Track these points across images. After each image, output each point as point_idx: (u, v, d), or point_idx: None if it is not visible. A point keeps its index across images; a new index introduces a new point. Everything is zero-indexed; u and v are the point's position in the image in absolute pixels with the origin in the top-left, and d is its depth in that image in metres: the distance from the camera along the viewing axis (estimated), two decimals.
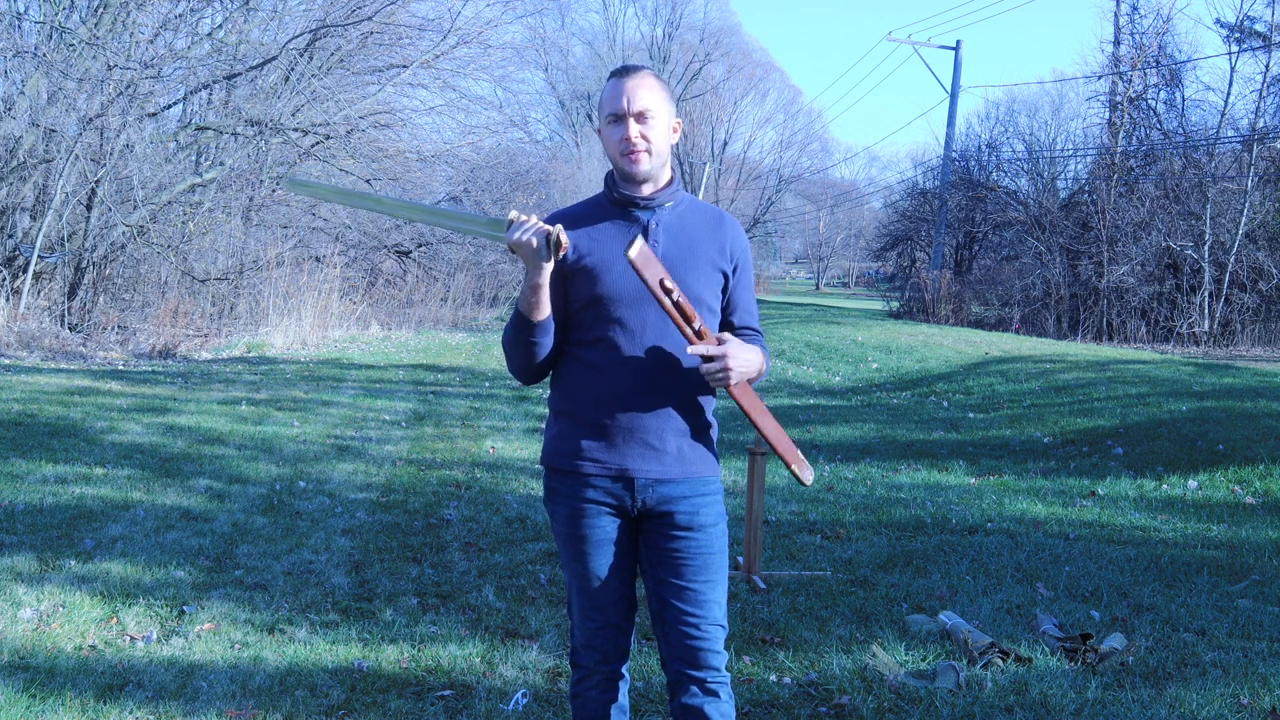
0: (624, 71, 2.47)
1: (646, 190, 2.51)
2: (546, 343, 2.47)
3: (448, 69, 21.51)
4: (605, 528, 2.51)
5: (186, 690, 3.59)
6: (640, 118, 2.44)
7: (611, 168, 2.56)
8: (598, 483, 2.48)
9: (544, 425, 2.65)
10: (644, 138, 2.44)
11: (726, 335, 2.46)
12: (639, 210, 2.51)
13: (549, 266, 2.38)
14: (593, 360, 2.47)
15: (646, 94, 2.44)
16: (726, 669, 2.53)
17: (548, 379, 2.63)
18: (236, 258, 18.28)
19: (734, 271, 2.56)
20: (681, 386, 2.49)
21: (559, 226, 2.37)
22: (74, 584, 4.62)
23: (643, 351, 2.44)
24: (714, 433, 2.59)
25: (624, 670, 2.62)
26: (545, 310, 2.42)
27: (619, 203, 2.52)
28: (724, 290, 2.56)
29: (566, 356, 2.53)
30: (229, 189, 18.21)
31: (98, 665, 3.77)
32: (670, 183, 2.54)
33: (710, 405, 2.57)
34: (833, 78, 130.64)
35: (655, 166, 2.48)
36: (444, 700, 3.59)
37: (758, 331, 2.64)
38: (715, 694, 2.49)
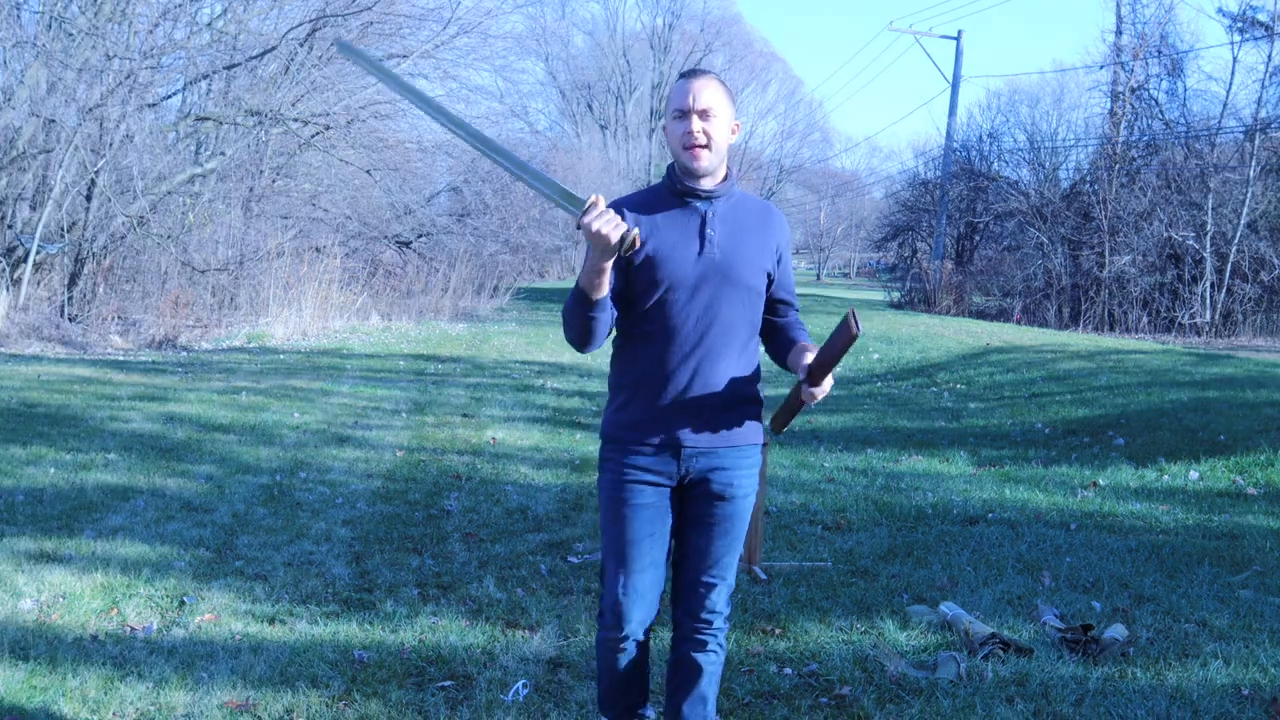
0: (692, 74, 2.68)
1: (707, 184, 2.69)
2: (604, 318, 2.61)
3: (448, 59, 21.48)
4: (648, 495, 2.71)
5: (187, 681, 3.59)
6: (704, 115, 2.62)
7: (673, 160, 2.73)
8: (648, 451, 2.69)
9: (605, 404, 2.87)
10: (705, 133, 2.62)
11: (814, 382, 2.62)
12: (699, 202, 2.70)
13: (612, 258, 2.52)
14: (652, 339, 2.67)
15: (711, 94, 2.63)
16: (726, 621, 2.79)
17: (608, 353, 2.84)
18: (236, 248, 18.24)
19: (778, 262, 2.80)
20: (734, 365, 2.70)
21: (636, 231, 2.51)
22: (74, 575, 4.62)
23: (699, 333, 2.65)
24: (756, 404, 2.78)
25: (646, 633, 2.82)
26: (605, 290, 2.56)
27: (681, 194, 2.70)
28: (770, 275, 2.79)
29: (628, 335, 2.73)
30: (229, 179, 18.18)
31: (98, 656, 3.77)
32: (726, 178, 2.73)
33: (758, 379, 2.79)
34: (834, 68, 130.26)
35: (714, 162, 2.66)
36: (444, 691, 3.59)
37: (794, 306, 2.88)
38: (705, 644, 2.76)
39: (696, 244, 2.66)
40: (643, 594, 2.75)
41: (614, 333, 2.78)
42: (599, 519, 2.83)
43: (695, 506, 2.74)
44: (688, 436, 2.68)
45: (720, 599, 2.76)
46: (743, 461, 2.74)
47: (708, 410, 2.68)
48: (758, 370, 2.79)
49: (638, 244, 2.54)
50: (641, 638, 2.83)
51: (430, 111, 2.75)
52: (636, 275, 2.66)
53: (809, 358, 2.64)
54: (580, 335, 2.64)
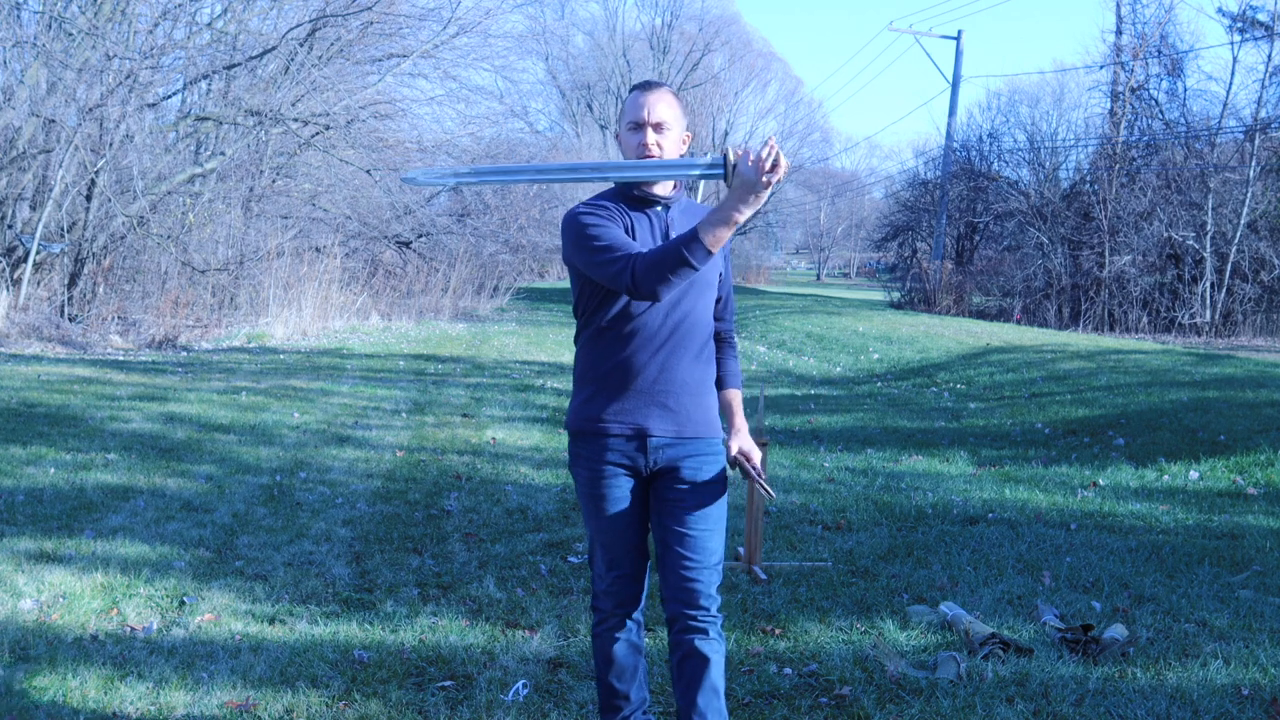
0: (646, 86, 2.84)
1: (661, 190, 2.87)
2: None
3: (448, 59, 21.45)
4: (622, 487, 2.85)
5: (187, 681, 3.59)
6: (658, 128, 2.79)
7: None
8: (615, 444, 2.81)
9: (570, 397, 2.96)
10: (658, 145, 2.79)
11: (744, 447, 2.87)
12: (658, 207, 2.88)
13: None
14: (621, 334, 2.79)
15: (665, 108, 2.80)
16: (719, 611, 2.83)
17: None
18: (236, 248, 18.23)
19: (724, 259, 2.98)
20: (697, 359, 2.85)
21: (781, 155, 2.47)
22: (74, 575, 4.62)
23: (670, 328, 2.79)
24: (714, 399, 2.95)
25: (638, 615, 2.97)
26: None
27: (640, 199, 2.86)
28: (720, 274, 2.96)
29: (599, 331, 2.83)
30: (229, 179, 18.17)
31: (98, 656, 3.77)
32: (676, 185, 2.93)
33: (712, 375, 2.94)
34: (834, 68, 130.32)
35: None
36: (444, 691, 3.59)
37: (731, 309, 3.03)
38: (705, 631, 2.79)
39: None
40: (631, 574, 2.91)
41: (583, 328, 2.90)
42: (582, 513, 2.94)
43: (666, 494, 2.83)
44: (654, 426, 2.80)
45: (709, 582, 2.80)
46: (706, 450, 2.85)
47: (672, 401, 2.81)
48: (715, 365, 2.96)
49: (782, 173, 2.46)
50: (636, 616, 2.95)
51: (532, 178, 2.96)
52: None
53: (733, 443, 2.86)
54: (665, 285, 2.62)
